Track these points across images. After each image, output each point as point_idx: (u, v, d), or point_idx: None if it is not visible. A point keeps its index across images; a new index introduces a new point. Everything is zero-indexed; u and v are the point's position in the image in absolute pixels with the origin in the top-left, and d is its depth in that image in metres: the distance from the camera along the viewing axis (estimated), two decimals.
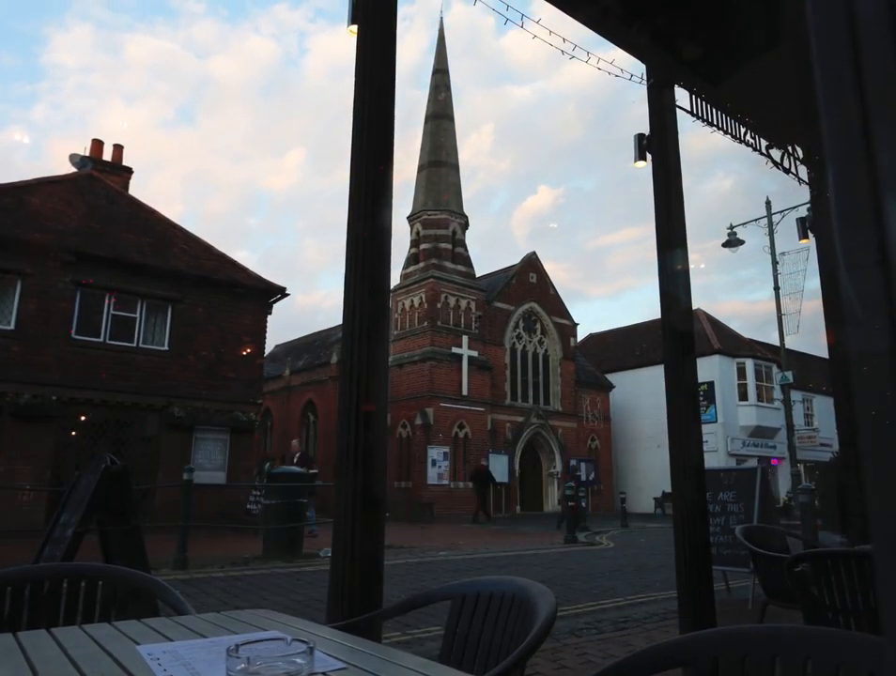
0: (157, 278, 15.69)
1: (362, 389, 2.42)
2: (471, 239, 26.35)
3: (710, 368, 27.53)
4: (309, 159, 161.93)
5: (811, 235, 6.52)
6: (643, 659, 1.22)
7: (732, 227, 17.38)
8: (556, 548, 11.67)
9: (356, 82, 2.69)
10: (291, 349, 32.22)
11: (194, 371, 16.06)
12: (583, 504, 18.46)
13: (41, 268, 14.28)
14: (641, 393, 29.20)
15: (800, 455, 19.88)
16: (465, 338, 24.15)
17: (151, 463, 15.03)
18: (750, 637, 1.16)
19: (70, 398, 14.19)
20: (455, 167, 26.30)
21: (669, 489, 3.96)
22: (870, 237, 0.61)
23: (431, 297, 23.89)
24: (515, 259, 30.26)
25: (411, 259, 25.66)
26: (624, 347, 33.82)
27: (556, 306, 28.13)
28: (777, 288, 16.56)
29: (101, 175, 17.81)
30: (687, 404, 3.77)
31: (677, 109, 4.12)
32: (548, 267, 28.41)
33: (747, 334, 32.60)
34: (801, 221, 6.69)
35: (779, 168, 4.86)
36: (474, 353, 24.32)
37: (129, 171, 18.79)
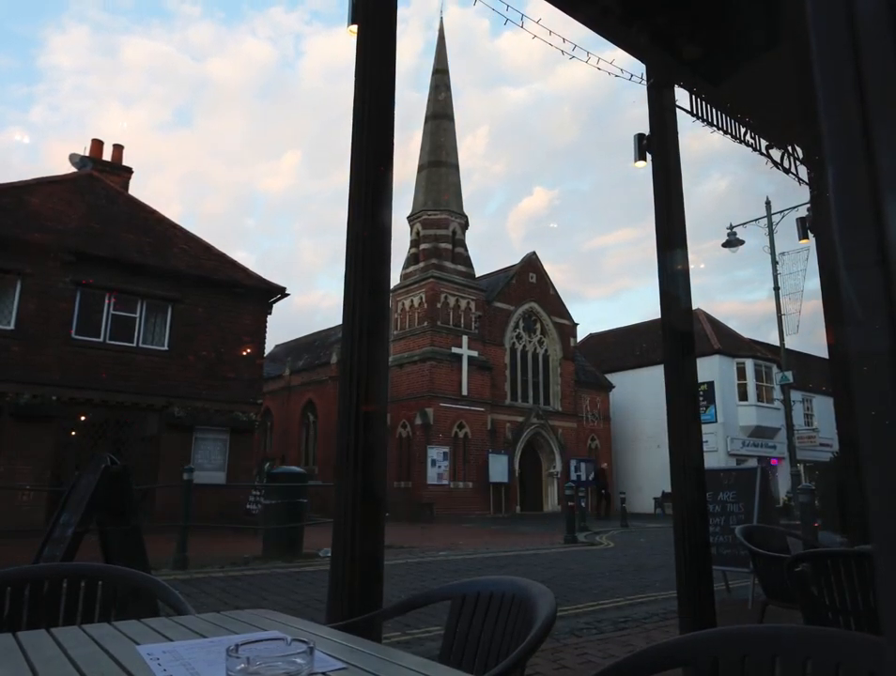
0: (157, 278, 15.70)
1: (362, 389, 2.42)
2: (468, 241, 26.27)
3: (710, 368, 27.54)
4: (305, 161, 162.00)
5: (810, 235, 6.52)
6: (643, 659, 1.22)
7: (731, 227, 17.38)
8: (556, 548, 11.67)
9: (356, 82, 2.69)
10: (291, 349, 32.22)
11: (194, 371, 16.07)
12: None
13: (41, 268, 14.28)
14: (640, 393, 29.20)
15: (800, 455, 19.89)
16: (465, 338, 24.15)
17: (151, 463, 15.04)
18: (750, 637, 1.16)
19: (70, 398, 14.19)
20: (455, 167, 26.31)
21: (669, 489, 3.96)
22: (870, 237, 0.61)
23: (431, 297, 23.89)
24: (510, 261, 30.30)
25: (411, 259, 25.66)
26: (624, 347, 33.82)
27: (556, 306, 28.13)
28: (777, 288, 16.57)
29: (101, 175, 17.82)
30: (687, 404, 3.77)
31: (677, 109, 4.12)
32: (545, 268, 28.34)
33: (744, 335, 32.61)
34: (801, 221, 6.69)
35: (779, 168, 4.86)
36: (474, 353, 24.32)
37: (129, 171, 18.80)
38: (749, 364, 29.14)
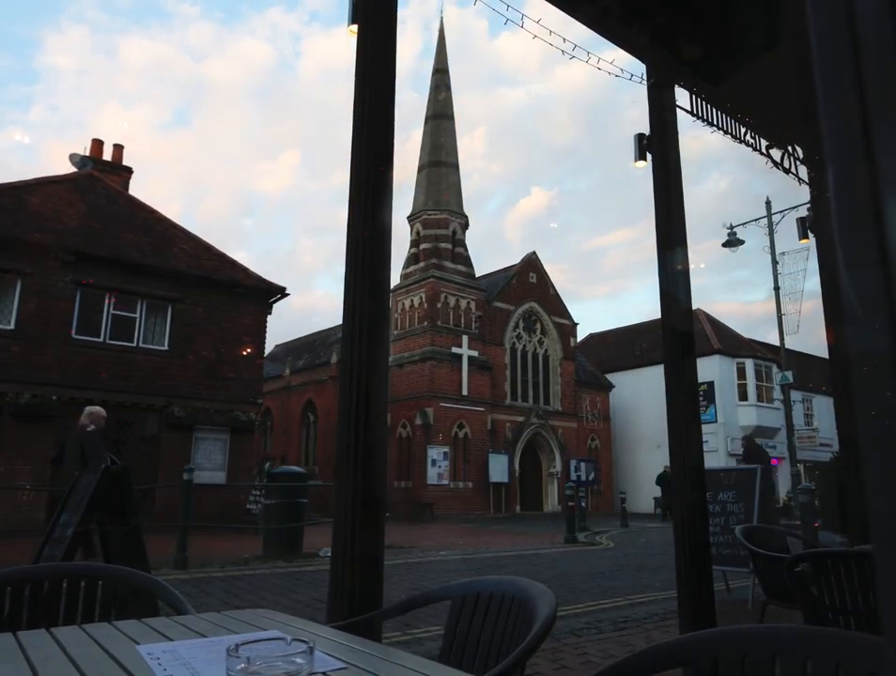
0: (157, 278, 15.69)
1: (362, 389, 2.42)
2: (467, 241, 26.27)
3: (710, 368, 27.53)
4: (303, 161, 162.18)
5: (810, 235, 6.52)
6: (643, 659, 1.22)
7: (731, 227, 17.39)
8: (556, 548, 11.67)
9: (356, 82, 2.69)
10: (291, 349, 32.23)
11: (194, 371, 16.06)
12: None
13: (41, 267, 14.28)
14: (640, 393, 29.20)
15: (800, 455, 19.90)
16: (465, 338, 24.15)
17: (151, 463, 15.03)
18: (750, 637, 1.16)
19: (70, 398, 14.18)
20: (455, 167, 26.30)
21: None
22: (870, 237, 0.61)
23: (431, 297, 23.89)
24: (508, 262, 30.32)
25: (411, 259, 25.66)
26: (624, 347, 33.82)
27: (556, 306, 28.13)
28: (777, 288, 16.57)
29: (101, 174, 17.81)
30: (687, 404, 3.77)
31: (677, 109, 4.12)
32: (545, 268, 28.36)
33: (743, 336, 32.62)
34: (801, 221, 6.69)
35: (779, 168, 4.86)
36: (474, 353, 24.32)
37: (129, 170, 18.79)
38: (749, 364, 29.14)
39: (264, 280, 17.67)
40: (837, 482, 10.79)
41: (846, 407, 5.42)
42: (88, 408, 7.98)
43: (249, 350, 16.91)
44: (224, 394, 16.21)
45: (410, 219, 26.12)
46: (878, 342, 0.60)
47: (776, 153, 4.83)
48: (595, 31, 3.78)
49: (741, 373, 29.09)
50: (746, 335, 32.67)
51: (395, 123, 2.70)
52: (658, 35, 3.90)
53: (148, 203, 18.28)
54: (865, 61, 0.63)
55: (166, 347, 15.92)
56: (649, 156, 4.01)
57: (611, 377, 30.97)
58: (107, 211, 16.68)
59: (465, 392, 23.74)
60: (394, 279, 25.28)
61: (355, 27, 2.79)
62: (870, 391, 0.61)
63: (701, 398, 20.03)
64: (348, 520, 2.35)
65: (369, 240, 2.53)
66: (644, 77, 4.11)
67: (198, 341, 16.19)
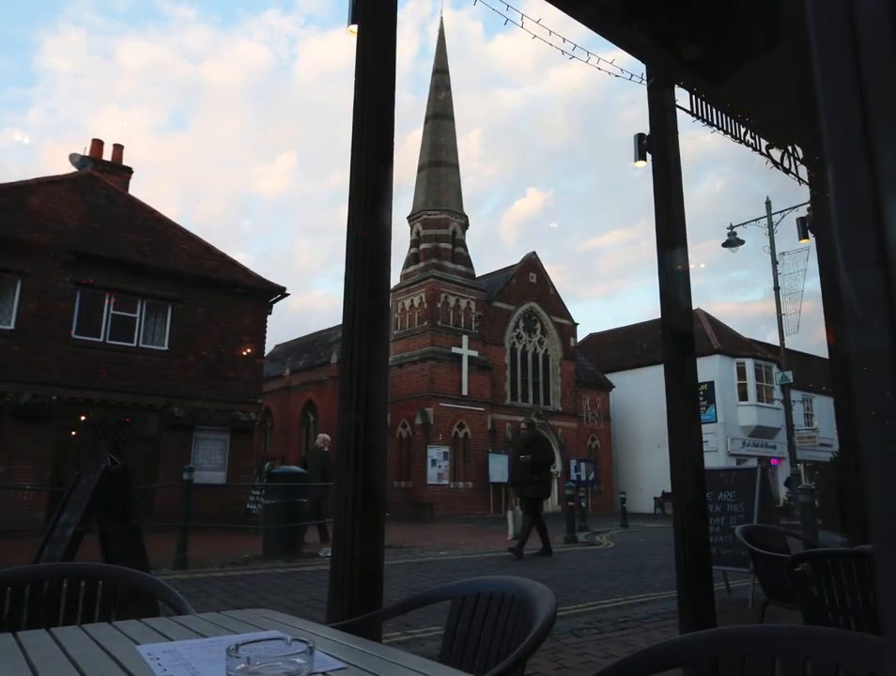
0: (157, 278, 15.69)
1: (362, 389, 2.42)
2: (466, 242, 26.29)
3: (710, 368, 27.53)
4: (300, 163, 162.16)
5: (810, 235, 6.52)
6: (643, 659, 1.22)
7: (731, 227, 17.39)
8: (556, 548, 11.65)
9: (356, 82, 2.69)
10: (291, 349, 32.23)
11: (194, 371, 16.06)
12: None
13: (41, 267, 14.28)
14: (641, 393, 29.20)
15: (800, 455, 19.89)
16: (465, 338, 24.15)
17: (151, 463, 15.04)
18: (750, 637, 1.16)
19: (70, 398, 14.19)
20: (455, 167, 26.30)
21: (669, 489, 3.97)
22: (870, 237, 0.61)
23: (431, 296, 23.89)
24: (504, 263, 30.32)
25: (411, 259, 25.66)
26: (624, 347, 33.82)
27: (556, 306, 28.13)
28: (777, 288, 16.57)
29: (101, 174, 17.81)
30: (687, 404, 3.77)
31: (677, 109, 4.12)
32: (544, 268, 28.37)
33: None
34: (801, 221, 6.69)
35: (779, 168, 4.86)
36: (474, 353, 24.32)
37: (129, 171, 18.79)
38: (750, 364, 29.14)
39: (264, 280, 17.67)
40: (837, 482, 10.79)
41: (846, 407, 5.42)
42: (324, 436, 12.36)
43: (249, 350, 16.91)
44: (224, 394, 16.21)
45: (410, 219, 26.11)
46: (878, 342, 0.60)
47: (776, 153, 4.83)
48: (595, 31, 3.77)
49: (741, 373, 29.09)
50: (745, 336, 32.69)
51: (395, 123, 2.70)
52: (658, 35, 3.90)
53: (149, 203, 18.30)
54: (865, 61, 0.63)
55: (166, 347, 15.92)
56: (649, 156, 4.01)
57: (611, 377, 30.97)
58: (107, 211, 16.68)
59: (465, 392, 23.74)
60: (394, 279, 25.29)
61: (355, 27, 2.78)
62: (870, 391, 0.61)
63: (701, 398, 20.03)
64: (348, 520, 2.35)
65: (369, 240, 2.53)
66: (644, 77, 4.11)
67: (198, 341, 16.19)
